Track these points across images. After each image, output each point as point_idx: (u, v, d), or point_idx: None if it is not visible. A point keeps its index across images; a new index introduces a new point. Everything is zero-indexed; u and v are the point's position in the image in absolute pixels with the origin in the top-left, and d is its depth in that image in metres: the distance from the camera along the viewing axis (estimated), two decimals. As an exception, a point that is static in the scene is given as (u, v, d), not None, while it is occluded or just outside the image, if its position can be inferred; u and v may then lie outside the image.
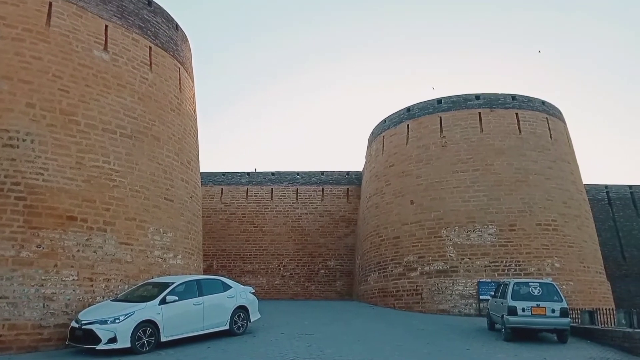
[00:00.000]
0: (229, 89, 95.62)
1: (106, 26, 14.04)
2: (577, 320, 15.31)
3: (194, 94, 18.99)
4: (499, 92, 23.41)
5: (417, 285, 21.55)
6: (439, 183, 22.42)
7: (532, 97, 23.72)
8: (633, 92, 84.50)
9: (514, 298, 13.18)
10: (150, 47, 15.50)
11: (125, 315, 10.61)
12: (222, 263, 30.50)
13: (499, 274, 19.99)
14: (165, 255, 14.67)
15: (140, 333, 10.62)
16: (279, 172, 32.74)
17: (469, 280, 20.40)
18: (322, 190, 32.09)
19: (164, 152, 15.30)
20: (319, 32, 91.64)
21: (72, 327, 10.83)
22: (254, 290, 14.14)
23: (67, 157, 12.36)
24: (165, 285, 11.88)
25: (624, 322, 13.10)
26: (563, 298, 13.29)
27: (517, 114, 22.89)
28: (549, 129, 23.19)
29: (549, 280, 17.25)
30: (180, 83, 17.02)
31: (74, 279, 11.89)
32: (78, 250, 12.12)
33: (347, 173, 32.61)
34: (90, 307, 11.59)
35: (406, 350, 11.42)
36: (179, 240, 15.44)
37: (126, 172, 13.69)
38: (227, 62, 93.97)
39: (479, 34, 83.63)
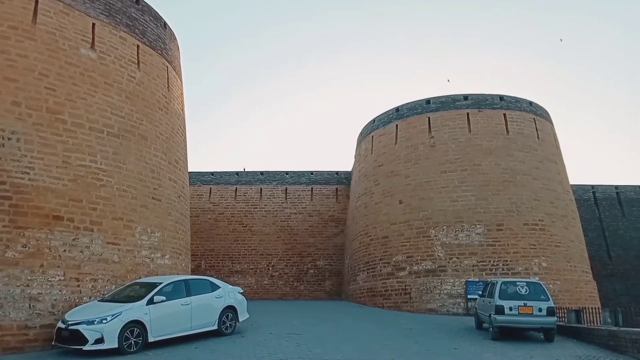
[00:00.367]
0: (217, 88, 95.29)
1: (93, 24, 13.91)
2: (563, 319, 15.45)
3: (182, 93, 18.89)
4: (487, 93, 23.57)
5: (405, 285, 21.64)
6: (428, 183, 22.52)
7: (520, 98, 23.90)
8: (619, 93, 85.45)
9: (501, 297, 13.27)
10: (138, 46, 15.39)
11: (113, 315, 10.52)
12: (210, 263, 30.37)
13: (486, 274, 20.12)
14: (152, 255, 14.58)
15: (127, 333, 10.54)
16: (268, 172, 32.67)
17: (457, 280, 20.52)
18: (311, 190, 32.08)
19: (152, 151, 15.20)
20: (308, 32, 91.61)
21: (58, 327, 10.72)
22: (242, 290, 14.12)
23: (53, 156, 12.23)
24: (153, 285, 11.81)
25: (609, 320, 13.27)
26: (550, 297, 13.40)
27: (504, 114, 23.06)
28: (537, 129, 23.38)
29: (536, 279, 17.41)
30: (168, 82, 16.93)
31: (60, 279, 11.78)
32: (64, 250, 12.00)
33: (336, 173, 32.63)
34: (77, 308, 11.48)
35: (394, 349, 11.45)
36: (166, 240, 15.35)
37: (113, 172, 13.58)
38: (216, 61, 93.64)
39: (467, 34, 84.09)
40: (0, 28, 12.02)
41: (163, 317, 11.22)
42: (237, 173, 32.69)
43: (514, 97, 23.75)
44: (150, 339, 10.93)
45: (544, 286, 13.91)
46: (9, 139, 11.59)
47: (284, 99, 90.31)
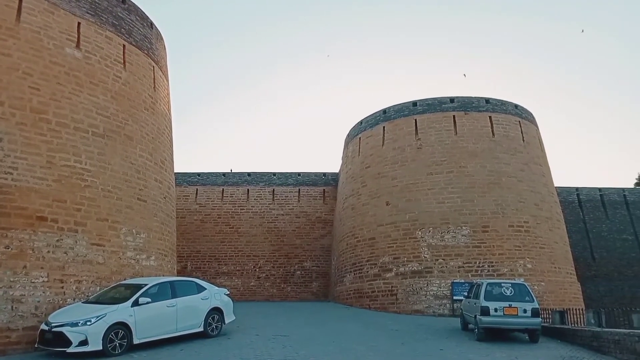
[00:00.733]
0: (204, 88, 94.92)
1: (79, 23, 13.78)
2: (548, 320, 15.59)
3: (168, 93, 18.78)
4: (473, 96, 23.73)
5: (392, 286, 21.69)
6: (414, 185, 22.61)
7: (505, 101, 24.11)
8: (604, 97, 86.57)
9: (486, 298, 13.35)
10: (124, 45, 15.28)
11: (97, 317, 10.42)
12: (196, 264, 30.21)
13: (472, 275, 20.25)
14: (138, 257, 14.47)
15: (112, 335, 10.44)
16: (255, 173, 32.59)
17: (443, 281, 20.62)
18: (299, 191, 32.06)
19: (137, 152, 15.09)
20: (296, 33, 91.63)
21: (41, 329, 10.59)
22: (228, 292, 14.05)
23: (37, 156, 12.08)
24: (138, 286, 11.71)
25: (593, 321, 13.40)
26: (534, 298, 13.52)
27: (490, 117, 23.23)
28: (522, 132, 23.59)
29: (521, 280, 17.51)
30: (154, 82, 16.82)
31: (43, 281, 11.64)
32: (48, 251, 11.86)
33: (324, 174, 32.63)
34: (60, 309, 11.35)
35: (380, 350, 11.47)
36: (152, 242, 15.24)
37: (98, 172, 13.45)
38: (203, 61, 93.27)
39: (454, 38, 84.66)
40: (-17, 26, 11.86)
41: (148, 319, 11.12)
42: (224, 174, 32.56)
43: (499, 100, 23.95)
44: (135, 341, 10.84)
45: (528, 287, 14.02)
46: (-8, 138, 11.43)
47: (272, 100, 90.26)
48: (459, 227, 21.32)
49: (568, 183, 35.79)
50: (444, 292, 20.47)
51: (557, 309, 15.70)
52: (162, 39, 18.56)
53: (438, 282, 20.69)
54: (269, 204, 31.69)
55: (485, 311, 13.13)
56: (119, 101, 14.64)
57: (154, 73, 16.87)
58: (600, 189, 34.69)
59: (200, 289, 12.95)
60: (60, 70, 13.02)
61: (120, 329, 10.61)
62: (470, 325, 14.71)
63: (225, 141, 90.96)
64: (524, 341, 13.49)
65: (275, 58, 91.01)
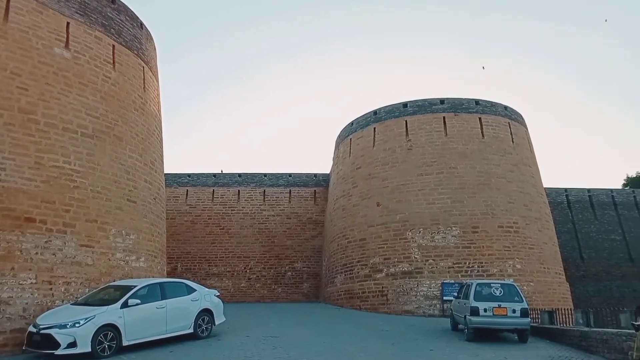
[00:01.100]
0: (195, 89, 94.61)
1: (68, 23, 13.69)
2: (537, 320, 15.69)
3: (158, 94, 18.71)
4: (463, 97, 23.86)
5: (382, 287, 21.73)
6: (405, 185, 22.68)
7: (495, 102, 24.25)
8: (593, 98, 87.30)
9: (476, 299, 13.41)
10: (113, 46, 15.20)
11: (86, 319, 10.35)
12: (186, 266, 30.08)
13: (462, 275, 20.33)
14: (127, 258, 14.39)
15: (101, 337, 10.37)
16: (246, 174, 32.52)
17: (433, 282, 20.68)
18: (290, 192, 32.03)
19: (127, 153, 15.01)
20: (287, 34, 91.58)
21: (29, 331, 10.50)
22: (218, 293, 14.01)
23: (25, 156, 11.99)
24: (128, 288, 11.65)
25: (581, 321, 13.51)
26: (523, 299, 13.59)
27: (480, 118, 23.36)
28: (511, 133, 23.74)
29: (510, 281, 17.59)
30: (144, 82, 16.74)
31: (32, 282, 11.54)
32: (37, 253, 11.76)
33: (315, 175, 32.63)
34: (49, 311, 11.27)
35: (371, 351, 11.49)
36: (142, 243, 15.16)
37: (87, 173, 13.37)
38: (194, 62, 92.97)
39: (445, 39, 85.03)
40: (-30, 26, 11.76)
41: (138, 321, 11.06)
42: (214, 175, 32.46)
43: (489, 101, 24.09)
44: (125, 343, 10.78)
45: (518, 288, 14.11)
46: (-21, 139, 11.34)
47: (263, 101, 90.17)
48: (449, 228, 21.41)
49: (557, 184, 36.15)
50: (434, 292, 20.54)
51: (546, 309, 15.80)
52: (152, 39, 18.48)
53: (428, 282, 20.75)
54: (259, 204, 31.63)
55: (474, 311, 13.19)
56: (109, 102, 14.56)
57: (143, 73, 16.79)
58: (588, 190, 35.01)
59: (190, 290, 12.90)
60: (49, 71, 12.93)
61: (110, 330, 10.55)
62: (460, 326, 14.77)
63: (215, 142, 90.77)
64: (513, 341, 13.57)
65: (265, 58, 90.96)
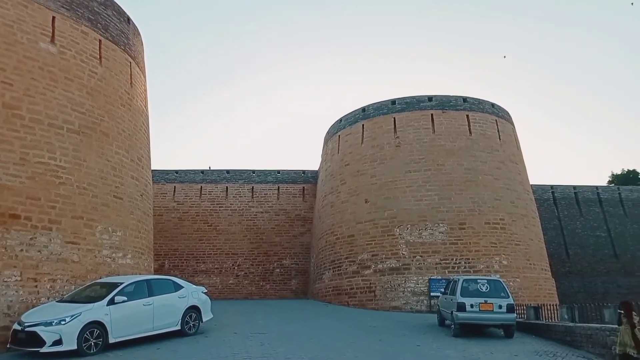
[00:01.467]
0: (183, 84, 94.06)
1: (53, 17, 13.53)
2: (523, 315, 15.85)
3: (145, 90, 18.56)
4: (451, 94, 23.98)
5: (370, 283, 21.82)
6: (393, 182, 22.76)
7: (483, 100, 24.40)
8: (579, 96, 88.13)
9: (463, 295, 13.51)
10: (100, 40, 15.05)
11: (72, 316, 10.26)
12: (174, 263, 29.94)
13: (449, 271, 20.48)
14: (114, 255, 14.29)
15: (87, 335, 10.29)
16: (234, 170, 32.42)
17: (420, 278, 20.81)
18: (278, 189, 31.99)
19: (114, 149, 14.89)
20: (276, 30, 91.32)
21: (14, 329, 10.39)
22: (206, 290, 13.97)
23: (10, 152, 11.84)
24: (114, 285, 11.57)
25: (566, 317, 13.68)
26: (510, 294, 13.72)
27: (467, 115, 23.49)
28: (498, 130, 23.90)
29: (496, 277, 17.75)
30: (131, 78, 16.60)
31: (16, 280, 11.42)
32: (21, 250, 11.64)
33: (303, 172, 32.62)
34: (34, 309, 11.16)
35: (358, 347, 11.53)
36: (128, 240, 15.07)
37: (73, 169, 13.24)
38: (181, 57, 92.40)
39: (433, 37, 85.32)
40: (-47, 19, 11.58)
41: (124, 318, 11.00)
42: (202, 171, 32.33)
43: (477, 99, 24.23)
44: (111, 340, 10.71)
45: (504, 284, 14.23)
46: (-37, 134, 11.18)
47: (251, 98, 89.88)
48: (436, 224, 21.54)
49: (543, 181, 36.48)
50: (422, 288, 20.66)
51: (532, 305, 15.98)
52: (139, 34, 18.33)
53: (416, 278, 20.88)
54: (248, 201, 31.57)
55: (461, 307, 13.29)
56: (95, 97, 14.41)
57: (130, 69, 16.65)
58: (574, 187, 35.38)
59: (178, 287, 12.85)
60: (34, 65, 12.77)
61: (96, 328, 10.47)
62: (447, 321, 14.87)
63: (203, 139, 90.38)
64: (500, 337, 13.69)
65: (254, 55, 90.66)
